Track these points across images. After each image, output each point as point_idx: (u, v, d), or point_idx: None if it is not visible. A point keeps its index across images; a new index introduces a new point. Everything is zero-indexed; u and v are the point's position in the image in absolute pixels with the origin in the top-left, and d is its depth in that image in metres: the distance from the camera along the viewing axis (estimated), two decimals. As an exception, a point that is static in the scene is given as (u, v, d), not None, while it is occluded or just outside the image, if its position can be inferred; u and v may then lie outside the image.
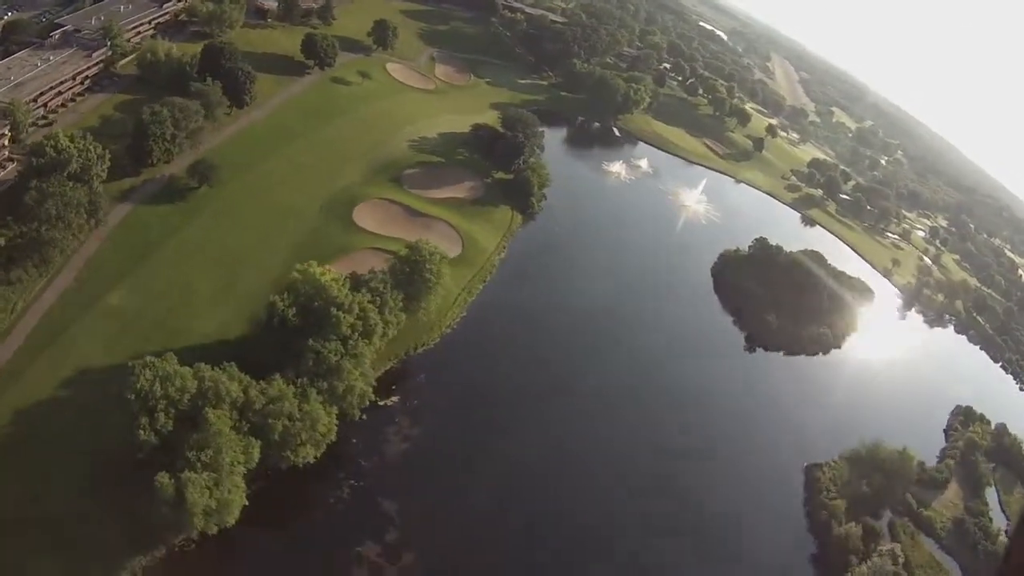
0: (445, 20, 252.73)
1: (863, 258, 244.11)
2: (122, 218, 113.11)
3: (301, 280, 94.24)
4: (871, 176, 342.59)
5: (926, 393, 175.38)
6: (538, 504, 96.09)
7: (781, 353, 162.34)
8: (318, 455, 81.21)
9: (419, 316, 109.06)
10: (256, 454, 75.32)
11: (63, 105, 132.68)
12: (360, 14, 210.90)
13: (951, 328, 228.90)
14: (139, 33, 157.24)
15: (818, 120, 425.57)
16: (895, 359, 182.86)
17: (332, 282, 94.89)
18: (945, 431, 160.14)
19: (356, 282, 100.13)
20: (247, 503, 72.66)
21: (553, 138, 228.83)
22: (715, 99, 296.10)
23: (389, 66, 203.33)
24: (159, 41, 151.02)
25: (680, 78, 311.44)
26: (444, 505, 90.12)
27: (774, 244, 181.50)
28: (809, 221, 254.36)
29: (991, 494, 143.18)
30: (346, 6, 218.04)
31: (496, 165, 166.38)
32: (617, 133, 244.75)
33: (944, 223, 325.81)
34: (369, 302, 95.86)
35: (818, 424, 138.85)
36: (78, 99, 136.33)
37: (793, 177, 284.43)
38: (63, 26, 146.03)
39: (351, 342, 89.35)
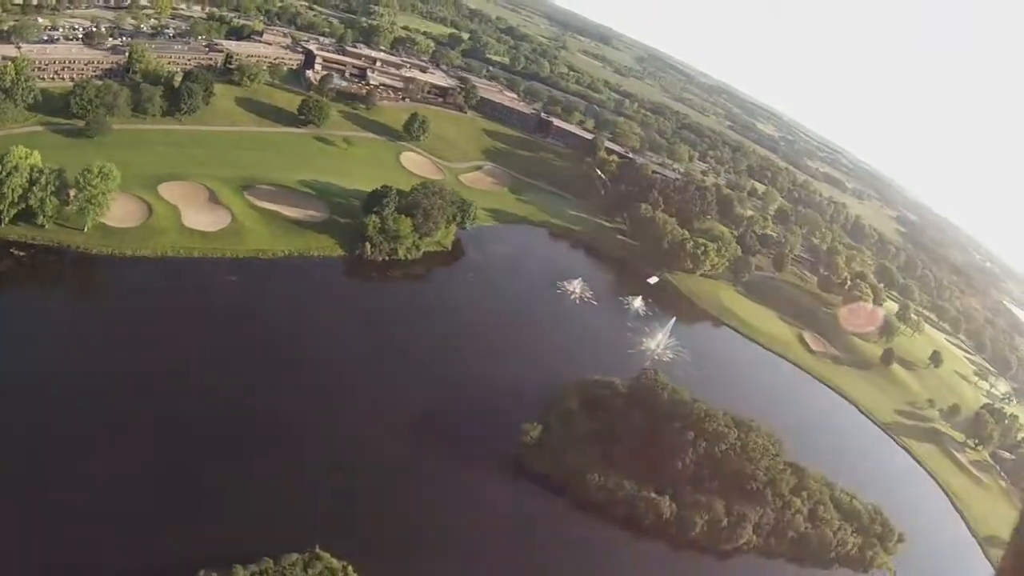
0: (534, 149, 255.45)
1: (956, 507, 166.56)
2: (30, 132, 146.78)
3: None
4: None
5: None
6: None
7: (563, 500, 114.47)
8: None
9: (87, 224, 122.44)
10: None
11: (71, 78, 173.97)
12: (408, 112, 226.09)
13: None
14: (174, 62, 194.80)
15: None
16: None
17: (20, 152, 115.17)
18: None
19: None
20: None
21: (564, 260, 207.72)
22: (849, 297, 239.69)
23: (405, 153, 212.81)
24: (160, 59, 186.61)
25: (823, 271, 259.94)
26: None
27: (668, 384, 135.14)
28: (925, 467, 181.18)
29: None
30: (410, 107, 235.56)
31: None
32: (653, 281, 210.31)
33: None
34: (28, 175, 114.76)
35: None
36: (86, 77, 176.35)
37: (933, 409, 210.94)
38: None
39: None
